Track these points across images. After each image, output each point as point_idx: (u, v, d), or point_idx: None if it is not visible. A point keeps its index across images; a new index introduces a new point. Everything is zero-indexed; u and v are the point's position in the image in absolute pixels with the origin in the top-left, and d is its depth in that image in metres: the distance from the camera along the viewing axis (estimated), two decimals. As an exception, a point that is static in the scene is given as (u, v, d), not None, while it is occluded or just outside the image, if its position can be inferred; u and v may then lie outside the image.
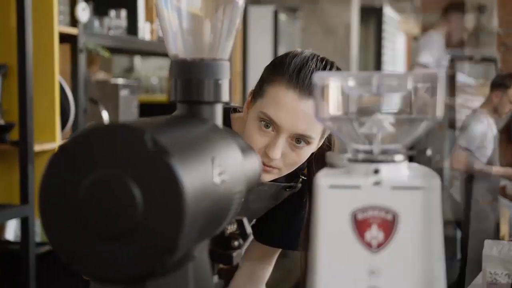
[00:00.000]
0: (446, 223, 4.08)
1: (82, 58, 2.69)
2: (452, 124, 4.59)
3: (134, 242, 0.59)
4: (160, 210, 0.59)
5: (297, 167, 1.32)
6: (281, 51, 5.87)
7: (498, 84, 4.20)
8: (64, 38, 2.65)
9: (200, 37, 0.83)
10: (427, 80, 0.67)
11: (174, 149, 0.61)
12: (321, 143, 1.34)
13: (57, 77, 2.51)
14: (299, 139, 1.26)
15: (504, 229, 4.12)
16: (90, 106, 2.94)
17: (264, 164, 1.26)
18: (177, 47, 0.82)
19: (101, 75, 4.02)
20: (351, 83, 0.69)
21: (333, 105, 0.70)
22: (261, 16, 5.27)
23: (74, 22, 2.69)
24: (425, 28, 9.93)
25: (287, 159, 1.27)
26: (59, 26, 2.56)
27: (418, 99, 0.68)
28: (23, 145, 2.32)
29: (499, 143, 4.18)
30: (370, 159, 0.68)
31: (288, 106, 1.23)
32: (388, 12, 7.88)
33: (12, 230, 2.78)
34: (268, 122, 1.25)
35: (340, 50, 5.86)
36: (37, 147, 2.43)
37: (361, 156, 0.69)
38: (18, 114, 2.33)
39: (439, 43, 4.16)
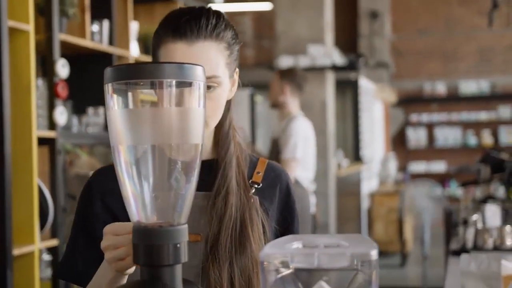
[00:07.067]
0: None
1: (60, 159, 2.75)
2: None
3: None
4: None
5: (221, 113, 1.27)
6: (259, 131, 6.00)
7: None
8: (43, 140, 2.72)
9: (160, 204, 0.90)
10: (364, 257, 0.74)
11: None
12: (235, 83, 1.32)
13: (36, 181, 2.57)
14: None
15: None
16: (70, 202, 2.99)
17: None
18: (139, 214, 0.89)
19: (86, 161, 4.05)
20: (295, 258, 0.75)
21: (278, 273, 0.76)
22: (238, 99, 5.36)
23: (52, 125, 2.76)
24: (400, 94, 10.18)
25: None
26: (38, 130, 2.63)
27: (355, 273, 0.74)
28: (1, 251, 2.35)
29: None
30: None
31: (179, 56, 1.18)
32: (364, 83, 8.07)
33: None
34: None
35: (317, 126, 5.96)
36: (16, 251, 2.46)
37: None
38: (-3, 220, 2.36)
39: None
